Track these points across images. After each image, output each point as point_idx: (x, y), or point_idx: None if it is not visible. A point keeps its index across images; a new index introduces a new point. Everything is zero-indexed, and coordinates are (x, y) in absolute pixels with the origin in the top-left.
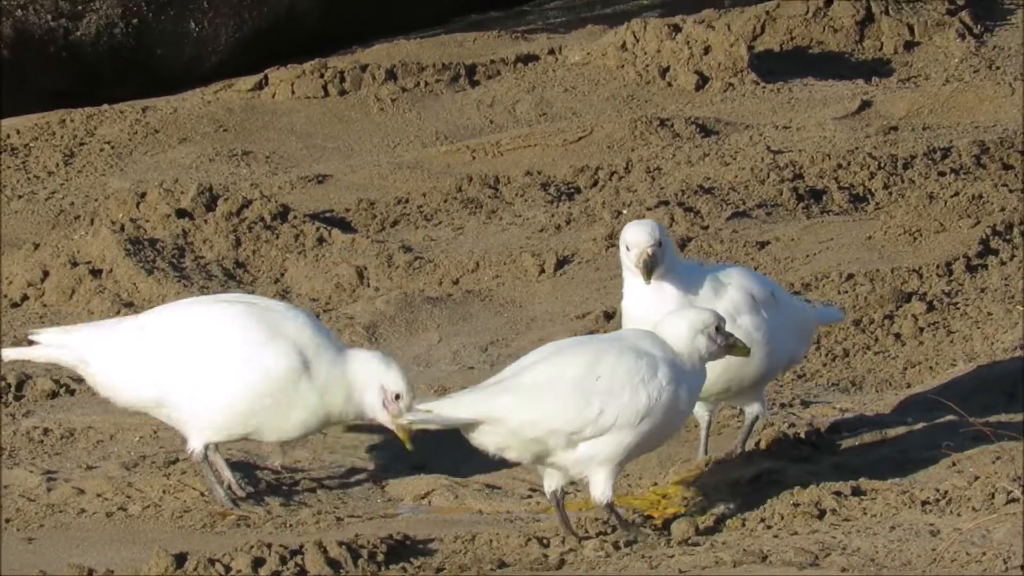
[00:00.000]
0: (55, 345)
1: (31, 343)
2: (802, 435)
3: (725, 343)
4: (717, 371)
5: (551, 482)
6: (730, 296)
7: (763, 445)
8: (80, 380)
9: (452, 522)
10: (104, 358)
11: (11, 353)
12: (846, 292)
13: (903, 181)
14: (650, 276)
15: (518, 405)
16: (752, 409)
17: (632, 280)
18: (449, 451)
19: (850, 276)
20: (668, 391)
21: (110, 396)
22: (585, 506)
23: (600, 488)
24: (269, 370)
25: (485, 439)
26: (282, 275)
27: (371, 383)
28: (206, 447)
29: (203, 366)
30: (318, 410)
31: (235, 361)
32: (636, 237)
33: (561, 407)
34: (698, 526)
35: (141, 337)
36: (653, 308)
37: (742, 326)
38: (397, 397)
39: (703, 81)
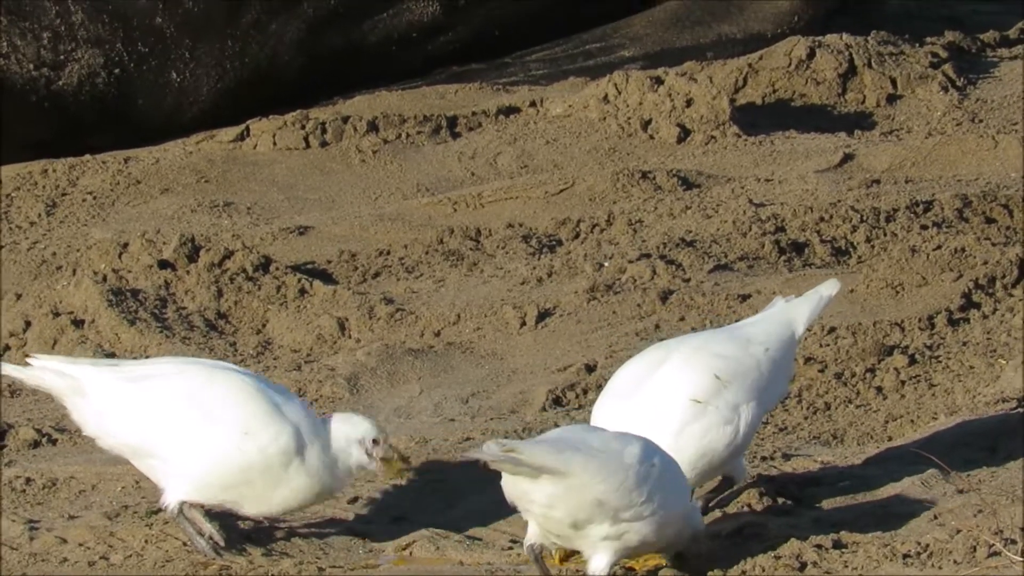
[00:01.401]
0: (54, 372)
1: (28, 365)
2: (783, 489)
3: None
4: (687, 461)
5: (533, 537)
6: (673, 418)
7: (744, 499)
8: (62, 430)
9: (434, 573)
10: (103, 394)
11: (9, 368)
12: (828, 345)
13: (885, 234)
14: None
15: (593, 467)
16: (733, 477)
17: None
18: (431, 502)
19: (832, 329)
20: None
21: (96, 435)
22: (561, 562)
23: (602, 565)
24: (265, 447)
25: (542, 489)
26: (263, 326)
27: (351, 445)
28: (181, 504)
29: (202, 427)
30: (302, 493)
31: (235, 432)
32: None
33: (619, 482)
34: None
35: (146, 382)
36: None
37: (692, 434)
38: (375, 442)
39: (685, 134)
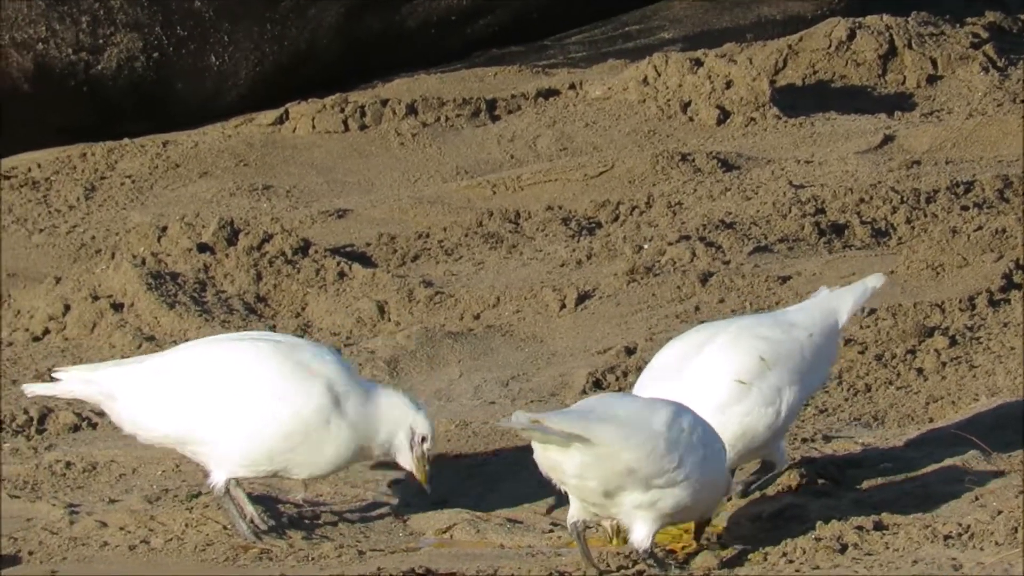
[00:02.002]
0: (81, 381)
1: (54, 380)
2: (824, 470)
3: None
4: (728, 441)
5: (576, 514)
6: (719, 393)
7: (784, 480)
8: (102, 414)
9: (474, 556)
10: (132, 393)
11: (35, 388)
12: (868, 326)
13: (926, 215)
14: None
15: (620, 436)
16: (773, 462)
17: None
18: (471, 486)
19: (872, 311)
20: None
21: (135, 432)
22: (605, 543)
23: (643, 534)
24: (300, 408)
25: (572, 459)
26: (303, 309)
27: (401, 423)
28: (228, 482)
29: (234, 403)
30: (349, 445)
31: (267, 398)
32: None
33: (649, 449)
34: (720, 560)
35: (169, 372)
36: None
37: (736, 413)
38: (423, 440)
39: (725, 115)
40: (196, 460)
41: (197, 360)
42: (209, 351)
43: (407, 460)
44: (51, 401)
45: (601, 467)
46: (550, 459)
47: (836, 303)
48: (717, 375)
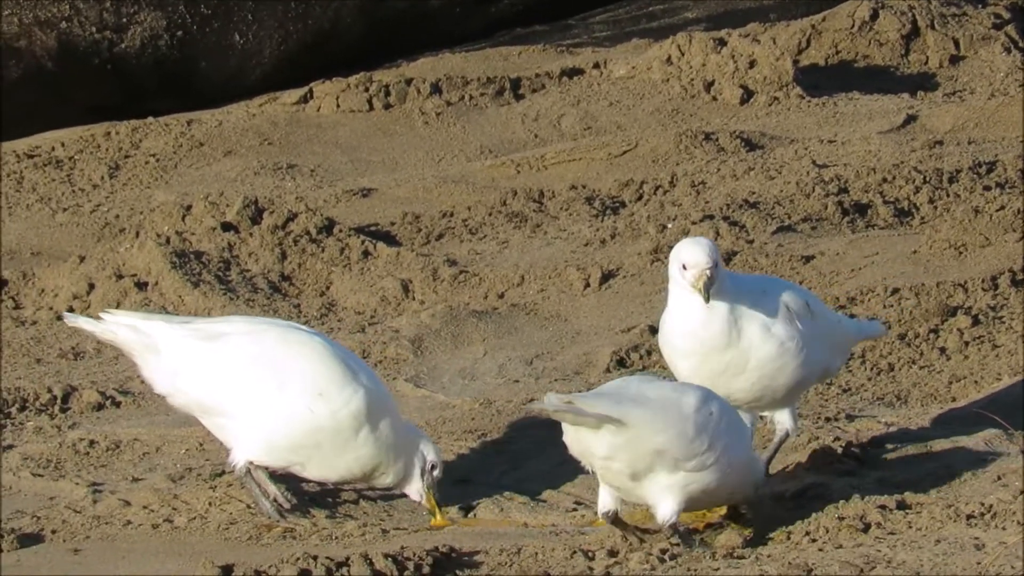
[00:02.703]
0: (126, 327)
1: (101, 319)
2: (847, 449)
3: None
4: (751, 379)
5: (607, 504)
6: (766, 306)
7: (808, 460)
8: (126, 393)
9: (498, 535)
10: (176, 352)
11: (77, 320)
12: (891, 306)
13: (948, 195)
14: (709, 296)
15: (651, 418)
16: (783, 423)
17: (681, 297)
18: (495, 465)
19: (895, 290)
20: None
21: (167, 393)
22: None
23: (668, 511)
24: (338, 410)
25: (602, 441)
26: (327, 288)
27: (415, 452)
28: (248, 464)
29: (274, 387)
30: (368, 461)
31: (308, 393)
32: (695, 257)
33: (679, 431)
34: (744, 539)
35: (220, 340)
36: (701, 325)
37: (776, 335)
38: (433, 468)
39: (748, 95)
40: (219, 436)
41: (251, 336)
42: (265, 331)
43: (417, 489)
44: (75, 380)
45: (631, 449)
46: (581, 441)
47: (848, 326)
48: (770, 298)
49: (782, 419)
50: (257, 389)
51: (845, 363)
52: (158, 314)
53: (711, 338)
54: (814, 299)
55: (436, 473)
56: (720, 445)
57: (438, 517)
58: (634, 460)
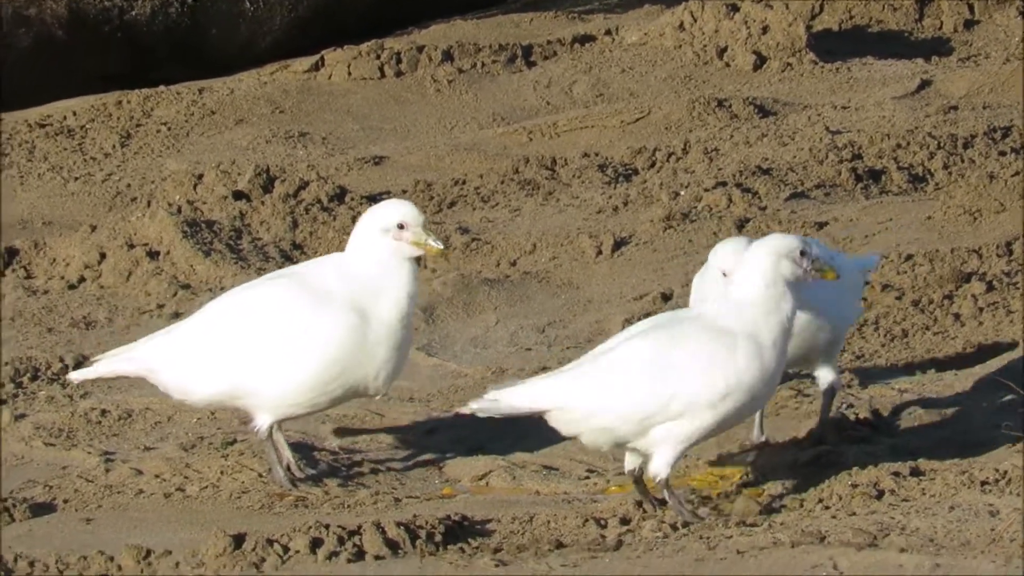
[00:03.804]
0: (122, 360)
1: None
2: (861, 416)
3: (811, 267)
4: (795, 340)
5: (631, 462)
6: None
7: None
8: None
9: (510, 503)
10: (171, 363)
11: (79, 375)
12: (905, 272)
13: (963, 161)
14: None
15: (582, 394)
16: (827, 378)
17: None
18: (507, 433)
19: (909, 256)
20: (748, 373)
21: (184, 397)
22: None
23: (660, 465)
24: (333, 335)
25: (558, 426)
26: None
27: (376, 241)
28: (271, 426)
29: (267, 348)
30: (392, 336)
31: (298, 335)
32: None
33: (629, 395)
34: (759, 506)
35: (201, 335)
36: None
37: (808, 302)
38: (400, 226)
39: (761, 61)
40: (242, 408)
41: (222, 317)
42: (231, 305)
43: (412, 251)
44: (87, 349)
45: (581, 427)
46: (553, 421)
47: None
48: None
49: (826, 375)
50: (253, 360)
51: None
52: (142, 339)
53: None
54: (822, 247)
55: (411, 227)
56: (692, 388)
57: (433, 251)
58: (593, 434)
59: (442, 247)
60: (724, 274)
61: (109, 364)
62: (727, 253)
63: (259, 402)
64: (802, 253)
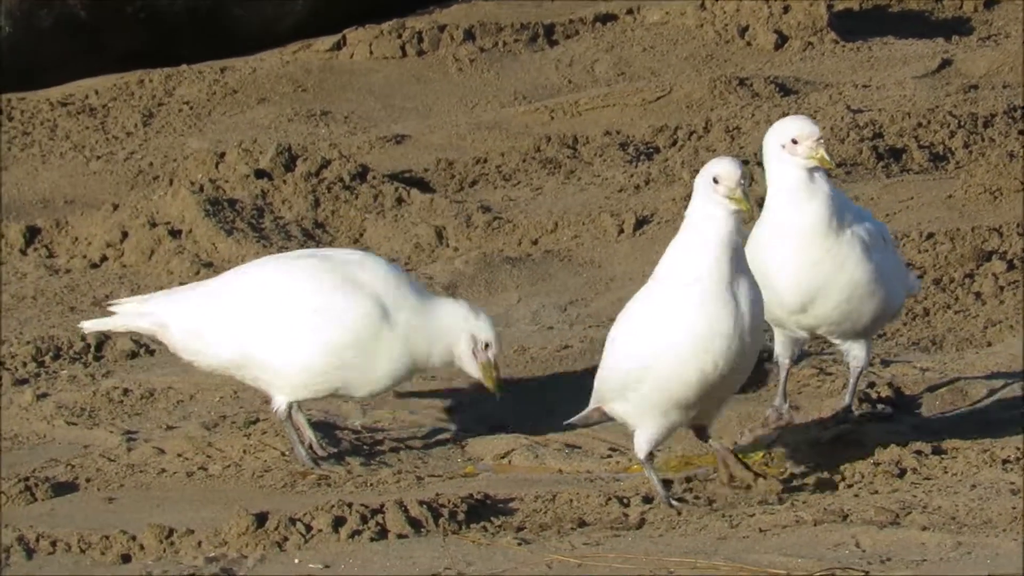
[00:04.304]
0: (134, 313)
1: (109, 313)
2: (882, 395)
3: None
4: (842, 297)
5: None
6: (868, 229)
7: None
8: (160, 341)
9: (532, 481)
10: (184, 321)
11: (91, 324)
12: (926, 251)
13: (983, 140)
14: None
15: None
16: (859, 356)
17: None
18: (530, 411)
19: (930, 235)
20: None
21: (192, 360)
22: (665, 468)
23: (636, 443)
24: (344, 321)
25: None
26: (361, 235)
27: (460, 332)
28: (290, 405)
29: (279, 322)
30: (403, 358)
31: (310, 314)
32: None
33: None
34: (782, 485)
35: (219, 298)
36: (808, 196)
37: (875, 260)
38: (487, 346)
39: (782, 40)
40: (257, 387)
41: (243, 284)
42: (253, 274)
43: (473, 369)
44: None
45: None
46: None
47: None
48: (871, 223)
49: (858, 352)
50: (265, 331)
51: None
52: (160, 292)
53: (813, 212)
54: (888, 234)
55: (492, 352)
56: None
57: (491, 385)
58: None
59: None
60: (716, 180)
61: (123, 318)
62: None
63: (266, 377)
64: (715, 179)
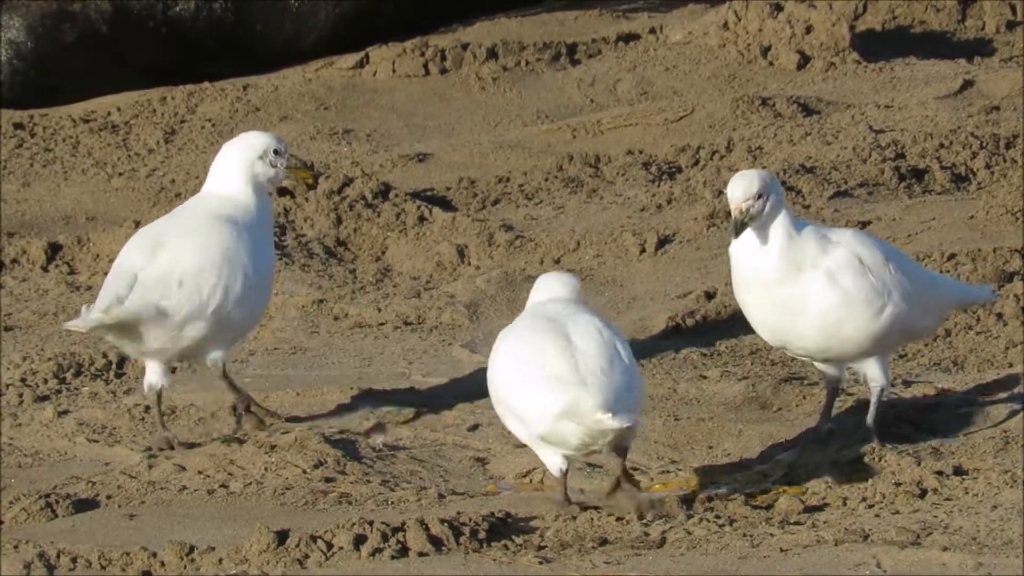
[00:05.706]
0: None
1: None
2: (903, 415)
3: (285, 166)
4: (815, 325)
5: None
6: (835, 255)
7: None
8: (181, 359)
9: (554, 500)
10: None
11: (73, 325)
12: (948, 271)
13: (1005, 160)
14: (737, 232)
15: None
16: (875, 379)
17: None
18: None
19: (952, 255)
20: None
21: (160, 351)
22: (686, 485)
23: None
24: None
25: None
26: (383, 253)
27: (253, 164)
28: (221, 363)
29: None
30: (231, 244)
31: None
32: (729, 193)
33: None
34: (802, 504)
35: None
36: (753, 251)
37: (842, 285)
38: (276, 152)
39: (805, 60)
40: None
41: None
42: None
43: (288, 179)
44: None
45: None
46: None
47: (946, 288)
48: (842, 249)
49: (874, 374)
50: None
51: (941, 324)
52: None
53: (763, 269)
54: (900, 256)
55: (284, 154)
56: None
57: (310, 181)
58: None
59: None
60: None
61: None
62: (730, 182)
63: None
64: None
